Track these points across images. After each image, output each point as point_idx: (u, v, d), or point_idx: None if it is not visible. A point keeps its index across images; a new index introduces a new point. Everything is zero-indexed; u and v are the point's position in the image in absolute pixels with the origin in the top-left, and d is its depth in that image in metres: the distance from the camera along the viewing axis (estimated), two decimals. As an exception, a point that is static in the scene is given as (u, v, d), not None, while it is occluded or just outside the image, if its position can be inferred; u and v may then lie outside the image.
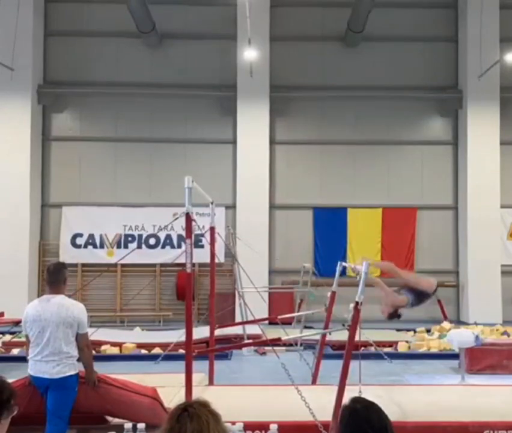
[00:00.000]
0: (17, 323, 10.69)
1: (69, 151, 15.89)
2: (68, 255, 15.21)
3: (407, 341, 11.24)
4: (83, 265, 15.41)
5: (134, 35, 15.48)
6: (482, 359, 9.07)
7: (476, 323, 13.14)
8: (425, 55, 16.13)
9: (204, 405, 2.13)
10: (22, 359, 8.38)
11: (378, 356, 9.50)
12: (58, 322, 4.60)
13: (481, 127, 15.30)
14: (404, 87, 15.94)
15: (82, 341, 4.72)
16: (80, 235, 15.58)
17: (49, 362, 4.59)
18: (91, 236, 15.58)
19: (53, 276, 4.78)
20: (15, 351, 10.47)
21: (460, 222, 15.87)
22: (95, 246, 15.56)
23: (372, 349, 9.94)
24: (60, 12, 16.04)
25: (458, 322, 14.55)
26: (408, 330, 12.74)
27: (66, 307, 4.66)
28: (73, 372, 4.66)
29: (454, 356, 9.59)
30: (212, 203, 7.35)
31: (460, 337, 9.02)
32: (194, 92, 15.83)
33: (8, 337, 11.37)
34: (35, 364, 4.65)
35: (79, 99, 16.01)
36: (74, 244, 15.55)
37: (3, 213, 14.71)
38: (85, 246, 15.55)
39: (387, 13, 15.88)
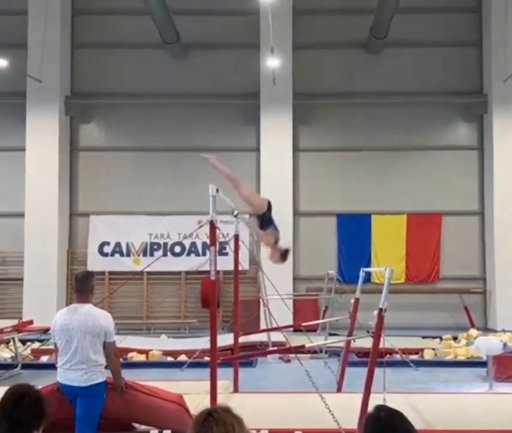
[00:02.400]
0: (46, 330, 10.85)
1: (96, 161, 16.16)
2: (95, 263, 15.44)
3: (433, 349, 11.14)
4: (110, 273, 15.60)
5: (159, 46, 15.69)
6: (511, 367, 8.94)
7: (504, 330, 12.94)
8: (449, 60, 16.02)
9: (227, 410, 2.18)
10: (51, 366, 8.52)
11: (403, 364, 9.44)
12: (85, 331, 4.67)
13: (506, 132, 15.11)
14: (427, 92, 15.85)
15: (109, 349, 4.79)
16: (107, 243, 15.80)
17: (78, 370, 4.66)
18: (118, 244, 15.79)
19: (80, 285, 4.86)
20: (44, 358, 10.65)
21: (486, 227, 15.68)
22: (121, 255, 15.76)
23: (397, 356, 9.88)
24: (86, 24, 16.34)
25: (486, 329, 14.35)
26: (434, 337, 12.63)
27: (93, 316, 4.73)
28: (101, 380, 4.73)
29: (482, 364, 9.48)
30: (236, 211, 7.40)
31: (487, 344, 8.92)
32: (218, 101, 15.96)
33: (36, 345, 11.56)
34: (63, 372, 4.73)
35: (106, 110, 16.27)
36: (101, 252, 15.78)
37: (33, 222, 15.00)
38: (112, 255, 15.76)
39: (410, 19, 15.80)
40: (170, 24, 14.90)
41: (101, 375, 4.74)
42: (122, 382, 4.92)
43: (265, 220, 6.35)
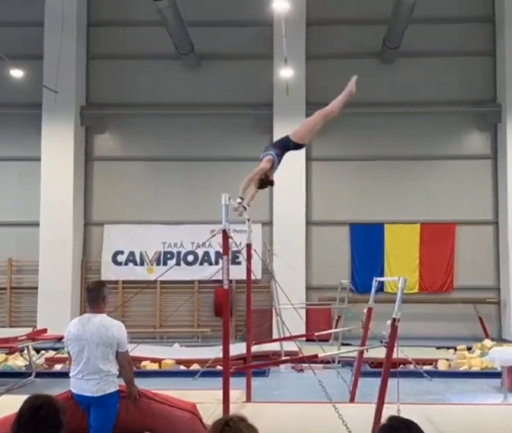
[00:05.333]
0: (60, 339, 10.91)
1: (111, 171, 16.30)
2: (109, 272, 15.57)
3: (447, 359, 11.06)
4: (124, 282, 15.69)
5: (174, 57, 15.82)
6: (526, 378, 8.85)
7: (519, 341, 12.83)
8: (462, 70, 15.99)
9: (242, 419, 2.20)
10: (65, 375, 8.54)
11: (417, 374, 9.36)
12: (98, 342, 4.68)
13: (521, 140, 15.04)
14: (441, 102, 15.82)
15: (122, 359, 4.79)
16: (121, 252, 15.89)
17: (90, 380, 4.67)
18: (132, 254, 15.88)
19: (92, 295, 4.88)
20: (57, 367, 10.70)
21: (500, 237, 15.57)
22: (135, 264, 15.86)
23: (411, 367, 9.81)
24: (102, 36, 16.54)
25: (500, 340, 14.21)
26: (448, 348, 12.54)
27: (106, 327, 4.74)
28: (113, 389, 4.73)
29: (496, 374, 9.40)
30: (249, 220, 7.43)
31: (502, 355, 8.86)
32: (231, 111, 16.05)
33: (50, 353, 11.62)
34: (76, 382, 4.75)
35: (120, 120, 16.43)
36: (115, 261, 15.88)
37: (48, 231, 15.14)
38: (126, 264, 15.86)
39: (423, 28, 15.80)
40: (184, 36, 15.03)
41: (114, 385, 4.75)
42: (135, 391, 4.94)
43: (287, 146, 6.20)
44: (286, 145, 6.23)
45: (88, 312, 4.91)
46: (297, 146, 6.31)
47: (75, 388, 4.76)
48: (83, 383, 4.70)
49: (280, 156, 6.14)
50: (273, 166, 6.04)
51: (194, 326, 15.70)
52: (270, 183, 6.13)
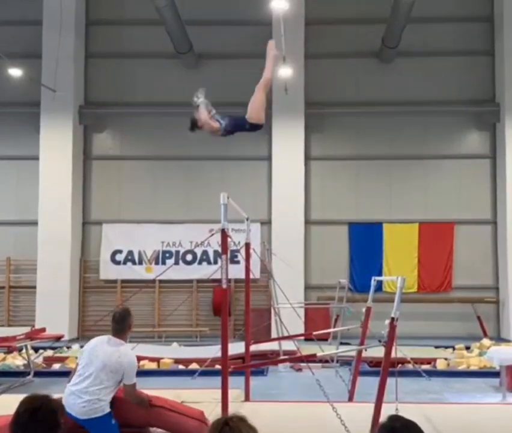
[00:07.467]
0: (58, 338, 10.94)
1: (109, 170, 16.28)
2: (108, 271, 15.57)
3: (446, 359, 11.06)
4: (122, 281, 15.69)
5: (172, 56, 15.81)
6: (524, 378, 8.85)
7: (517, 340, 12.84)
8: (461, 69, 15.99)
9: (242, 419, 2.20)
10: (63, 374, 8.57)
11: (416, 374, 9.38)
12: (105, 363, 4.71)
13: (519, 140, 15.05)
14: (440, 101, 15.82)
15: (128, 391, 4.80)
16: (120, 252, 15.88)
17: (79, 398, 4.65)
18: (130, 253, 15.87)
19: (119, 325, 4.95)
20: (56, 366, 10.70)
21: (499, 236, 15.58)
22: (134, 263, 15.84)
23: (409, 366, 9.82)
24: (100, 34, 16.52)
25: (499, 339, 14.23)
26: (447, 347, 12.56)
27: (120, 352, 4.79)
28: (100, 414, 4.68)
29: (495, 374, 9.40)
30: (247, 219, 7.43)
31: (500, 354, 8.86)
32: (230, 110, 15.97)
33: (49, 352, 11.63)
34: (68, 395, 4.72)
35: (119, 119, 16.41)
36: (114, 261, 15.86)
37: (46, 230, 15.11)
38: (124, 263, 15.85)
39: (422, 28, 15.81)
40: (183, 35, 15.02)
41: (101, 410, 4.69)
42: (145, 403, 4.93)
43: (243, 126, 6.05)
44: (242, 125, 6.02)
45: (112, 336, 4.95)
46: (253, 127, 6.03)
47: (64, 401, 4.67)
48: (72, 398, 4.67)
49: (229, 133, 6.20)
50: (214, 132, 6.23)
51: (193, 326, 15.69)
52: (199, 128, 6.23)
